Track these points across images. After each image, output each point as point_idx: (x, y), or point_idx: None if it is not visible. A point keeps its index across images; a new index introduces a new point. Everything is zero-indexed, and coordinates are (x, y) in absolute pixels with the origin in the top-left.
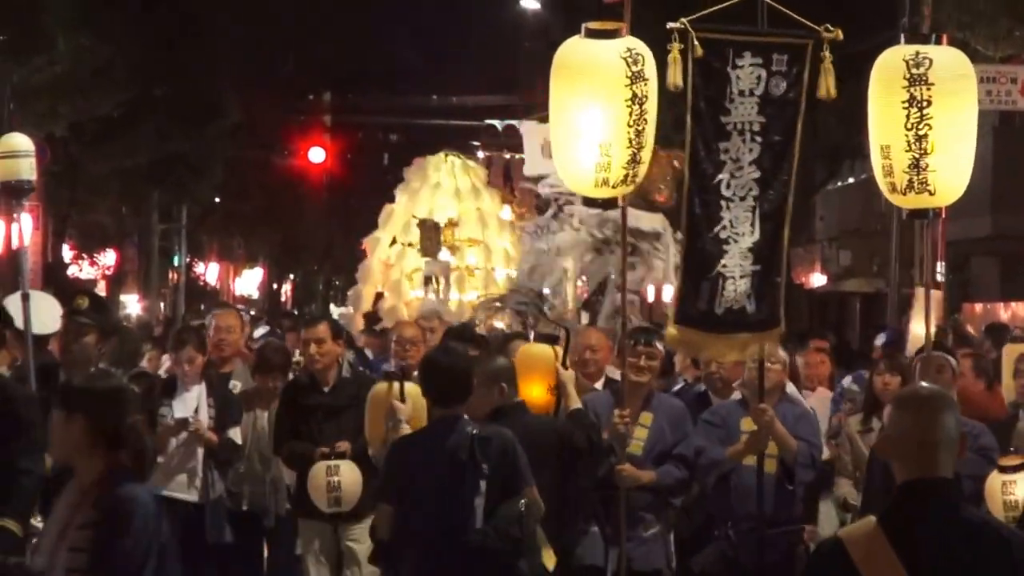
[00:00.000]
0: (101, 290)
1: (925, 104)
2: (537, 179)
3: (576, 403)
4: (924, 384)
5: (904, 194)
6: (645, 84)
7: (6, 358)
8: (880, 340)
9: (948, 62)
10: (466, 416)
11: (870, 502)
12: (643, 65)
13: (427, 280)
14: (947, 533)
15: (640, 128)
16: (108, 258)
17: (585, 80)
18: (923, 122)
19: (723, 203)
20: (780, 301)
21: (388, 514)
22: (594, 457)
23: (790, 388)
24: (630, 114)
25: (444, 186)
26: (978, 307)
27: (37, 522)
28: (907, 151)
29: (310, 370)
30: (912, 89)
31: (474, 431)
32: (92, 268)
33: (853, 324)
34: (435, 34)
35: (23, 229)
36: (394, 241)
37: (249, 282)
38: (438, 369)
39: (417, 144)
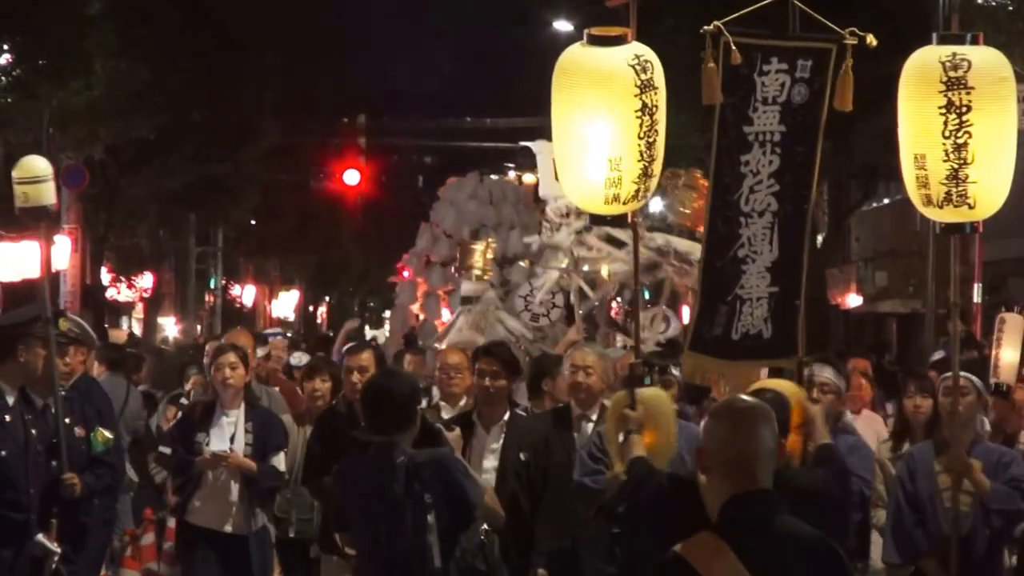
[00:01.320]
0: (139, 312)
1: (964, 110)
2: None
3: (826, 437)
4: (742, 396)
5: (941, 207)
6: (655, 93)
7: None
8: (937, 355)
9: (988, 64)
10: (402, 445)
11: (897, 537)
12: (652, 73)
13: (464, 300)
14: (767, 545)
15: (651, 140)
16: (145, 280)
17: (591, 90)
18: (962, 129)
19: (742, 219)
20: (798, 326)
21: (348, 541)
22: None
23: (848, 416)
24: (640, 125)
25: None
26: None
27: (53, 545)
28: (945, 161)
29: (349, 399)
30: (950, 93)
31: (404, 459)
32: (130, 290)
33: (889, 345)
34: (469, 56)
35: (61, 251)
36: (428, 262)
37: (285, 304)
38: (376, 393)
39: (451, 166)
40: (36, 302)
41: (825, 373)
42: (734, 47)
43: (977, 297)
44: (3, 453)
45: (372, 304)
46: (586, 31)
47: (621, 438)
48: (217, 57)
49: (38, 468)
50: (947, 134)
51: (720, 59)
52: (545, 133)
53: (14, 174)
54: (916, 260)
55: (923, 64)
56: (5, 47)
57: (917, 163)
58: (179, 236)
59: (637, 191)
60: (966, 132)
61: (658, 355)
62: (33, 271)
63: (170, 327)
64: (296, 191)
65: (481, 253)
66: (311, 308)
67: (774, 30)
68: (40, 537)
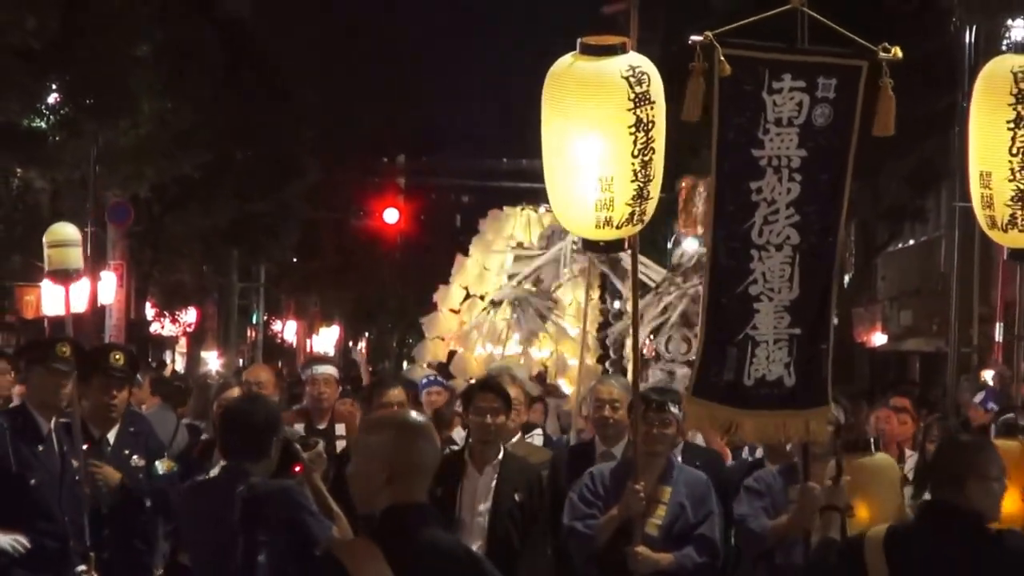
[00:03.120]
0: (182, 347)
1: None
2: None
3: None
4: (408, 411)
5: (1005, 231)
6: (651, 108)
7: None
8: (979, 398)
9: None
10: (250, 474)
11: None
12: (648, 86)
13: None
14: (415, 554)
15: (647, 159)
16: (189, 316)
17: (581, 103)
18: (648, 146)
19: (754, 252)
20: (828, 374)
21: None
22: None
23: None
24: (634, 143)
25: (517, 238)
26: None
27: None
28: (1011, 180)
29: None
30: (1019, 107)
31: (244, 489)
32: (173, 325)
33: (913, 383)
34: (506, 97)
35: (107, 287)
36: (467, 295)
37: (325, 340)
38: (234, 416)
39: (488, 205)
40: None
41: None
42: (722, 59)
43: (999, 336)
44: (33, 481)
45: (411, 340)
46: (580, 40)
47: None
48: (260, 97)
49: (74, 498)
50: (1015, 151)
51: (715, 74)
52: None
53: (45, 239)
54: (940, 300)
55: (994, 75)
56: (53, 86)
57: (982, 181)
58: (222, 272)
59: (632, 214)
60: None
61: (656, 390)
62: (79, 306)
63: (213, 361)
64: (336, 229)
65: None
66: (351, 344)
67: (788, 44)
68: (80, 569)
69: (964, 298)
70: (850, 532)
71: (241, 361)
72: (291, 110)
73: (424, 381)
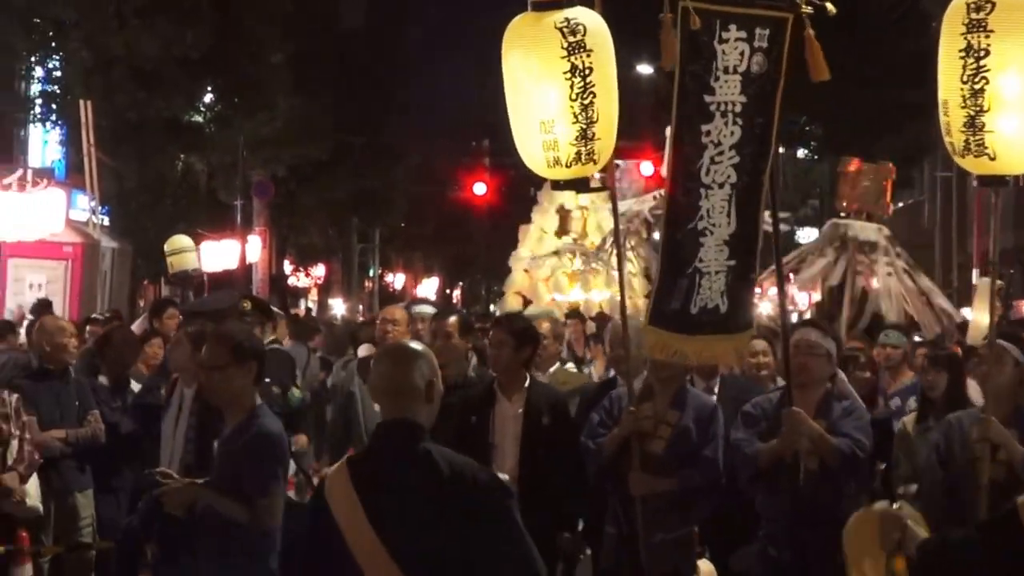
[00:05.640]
0: (313, 296)
1: (982, 54)
2: None
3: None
4: (407, 341)
5: (962, 156)
6: (587, 55)
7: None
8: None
9: (1012, 6)
10: None
11: (927, 504)
12: (583, 35)
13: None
14: (403, 463)
15: (587, 102)
16: (319, 271)
17: (521, 54)
18: (979, 75)
19: (702, 191)
20: (752, 300)
21: None
22: None
23: (841, 378)
24: (571, 87)
25: (569, 204)
26: None
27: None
28: (963, 107)
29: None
30: (969, 36)
31: None
32: (307, 279)
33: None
34: None
35: (253, 249)
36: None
37: (428, 288)
38: None
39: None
40: (227, 290)
41: (811, 335)
42: (692, 12)
43: (975, 279)
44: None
45: (496, 288)
46: None
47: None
48: (371, 95)
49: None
50: (965, 79)
51: (679, 23)
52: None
53: (166, 247)
54: (926, 251)
55: (954, 6)
56: (209, 88)
57: (943, 109)
58: (345, 235)
59: (579, 154)
60: (983, 78)
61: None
62: (231, 263)
63: (338, 307)
64: (436, 200)
65: (580, 220)
66: (448, 291)
67: None
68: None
69: (945, 249)
70: None
71: (361, 306)
72: (396, 106)
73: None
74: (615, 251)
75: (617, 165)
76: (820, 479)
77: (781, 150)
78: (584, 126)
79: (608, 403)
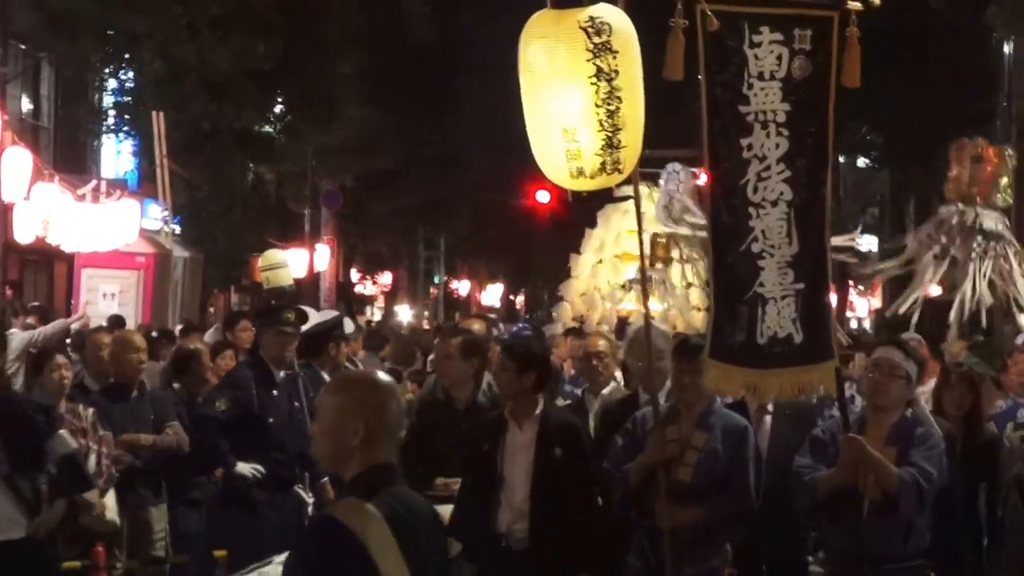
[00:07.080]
0: (380, 303)
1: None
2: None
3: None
4: (374, 372)
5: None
6: (613, 57)
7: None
8: (1021, 339)
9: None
10: None
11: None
12: (610, 36)
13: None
14: (403, 511)
15: (613, 108)
16: (385, 278)
17: (546, 56)
18: (613, 96)
19: (752, 210)
20: (831, 326)
21: None
22: None
23: (922, 403)
24: (596, 92)
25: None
26: None
27: (307, 495)
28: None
29: (445, 388)
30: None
31: None
32: (373, 286)
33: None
34: None
35: (321, 257)
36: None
37: (492, 295)
38: None
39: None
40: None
41: (894, 356)
42: (710, 13)
43: None
44: (271, 420)
45: (558, 294)
46: None
47: None
48: (439, 107)
49: (300, 435)
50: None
51: (700, 29)
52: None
53: (259, 263)
54: None
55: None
56: (279, 99)
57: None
58: (411, 243)
59: (603, 164)
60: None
61: (694, 338)
62: (299, 272)
63: (404, 313)
64: (500, 207)
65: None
66: (511, 298)
67: None
68: (297, 488)
69: None
70: None
71: (426, 313)
72: (463, 116)
73: (515, 328)
74: (666, 264)
75: (675, 172)
76: (885, 512)
77: (841, 159)
78: (609, 134)
79: (631, 425)
